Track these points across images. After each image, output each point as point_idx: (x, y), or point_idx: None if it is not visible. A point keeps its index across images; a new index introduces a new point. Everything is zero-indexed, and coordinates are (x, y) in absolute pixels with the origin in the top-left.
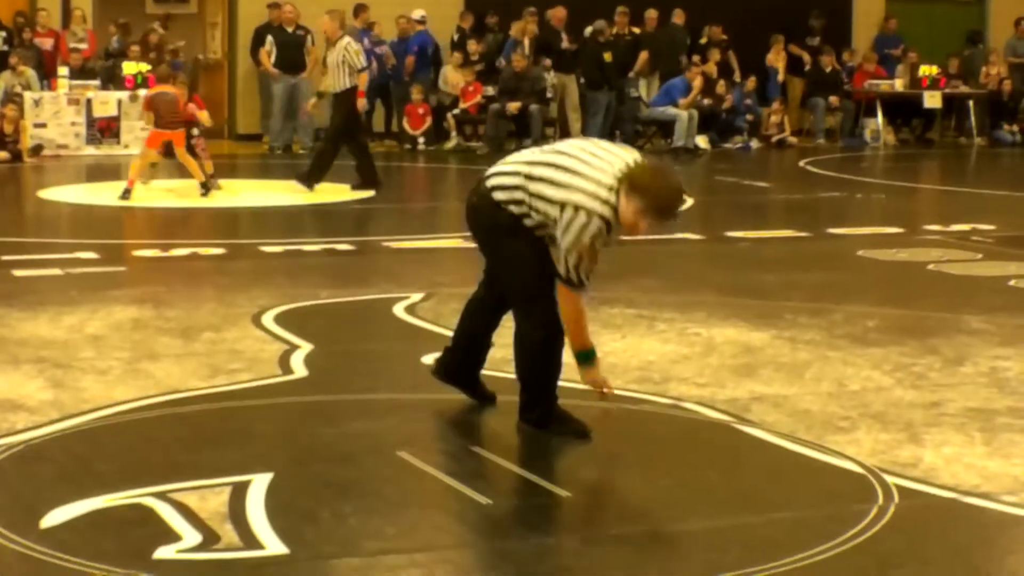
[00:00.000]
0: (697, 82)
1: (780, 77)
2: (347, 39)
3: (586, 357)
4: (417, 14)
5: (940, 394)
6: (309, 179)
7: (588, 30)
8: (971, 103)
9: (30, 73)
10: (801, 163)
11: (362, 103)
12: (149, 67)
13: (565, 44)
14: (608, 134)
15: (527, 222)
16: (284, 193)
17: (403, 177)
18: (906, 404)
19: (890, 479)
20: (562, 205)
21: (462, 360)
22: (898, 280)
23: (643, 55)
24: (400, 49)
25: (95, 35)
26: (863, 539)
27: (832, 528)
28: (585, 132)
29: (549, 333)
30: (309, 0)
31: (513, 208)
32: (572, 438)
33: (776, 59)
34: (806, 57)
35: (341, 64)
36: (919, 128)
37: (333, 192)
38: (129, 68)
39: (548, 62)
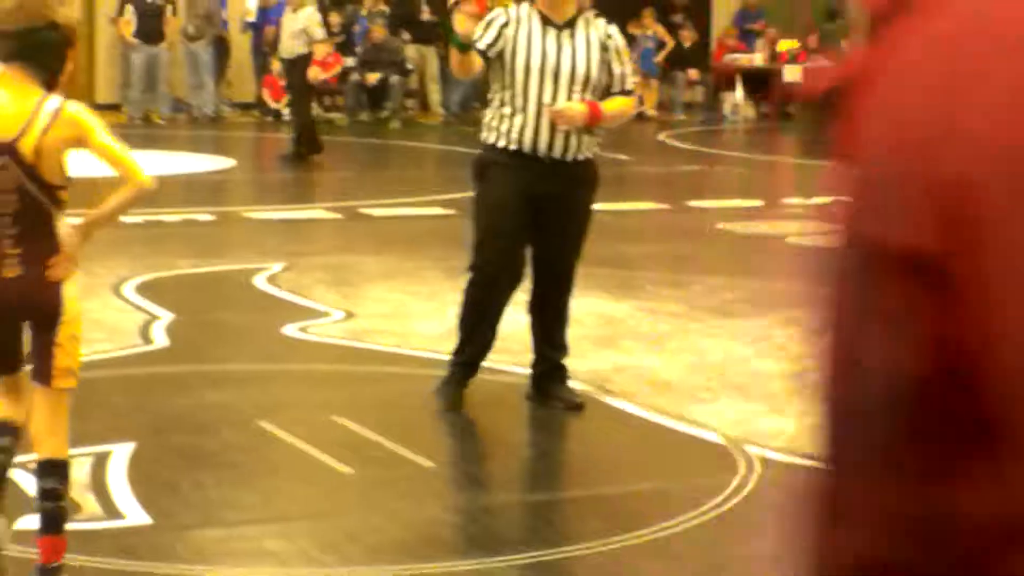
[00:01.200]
0: None
1: (663, 53)
2: (310, 8)
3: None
4: None
5: (802, 364)
6: (303, 149)
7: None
8: None
9: None
10: (661, 136)
11: (315, 71)
12: None
13: (426, 16)
14: (468, 107)
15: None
16: (143, 162)
17: (264, 147)
18: (767, 375)
19: (752, 449)
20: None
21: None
22: (757, 253)
23: None
24: (262, 19)
25: None
26: (725, 509)
27: (694, 498)
28: (446, 104)
29: None
30: None
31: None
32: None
33: (643, 30)
34: (667, 38)
35: (300, 32)
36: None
37: (192, 162)
38: None
39: (407, 35)
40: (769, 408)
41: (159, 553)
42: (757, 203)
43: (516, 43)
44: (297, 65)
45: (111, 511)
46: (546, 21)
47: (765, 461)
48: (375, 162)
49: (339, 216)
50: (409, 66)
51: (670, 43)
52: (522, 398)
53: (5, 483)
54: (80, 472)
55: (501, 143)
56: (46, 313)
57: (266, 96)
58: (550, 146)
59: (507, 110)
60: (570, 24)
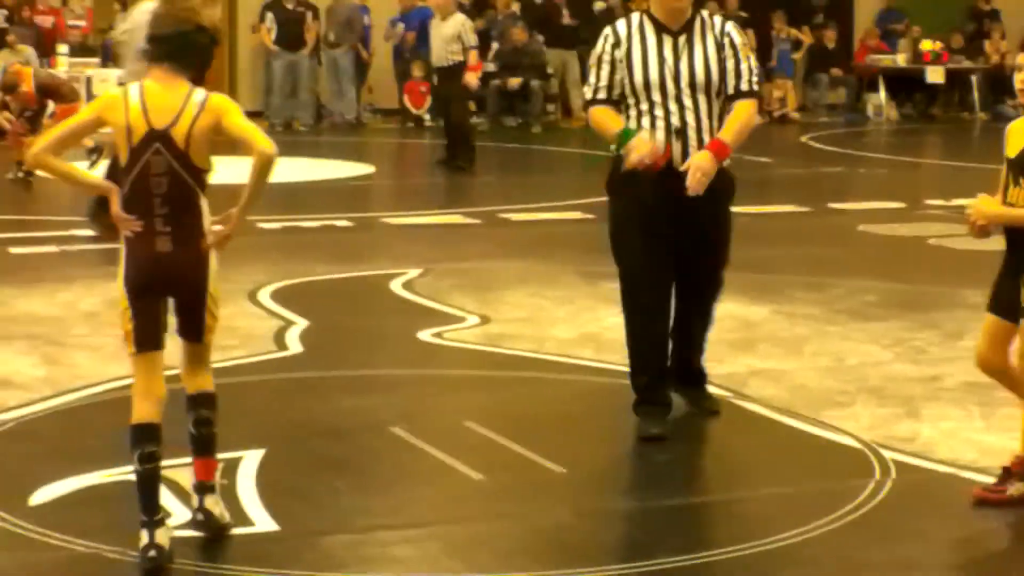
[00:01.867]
0: None
1: (799, 52)
2: (460, 15)
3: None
4: None
5: (939, 368)
6: (462, 161)
7: (599, 5)
8: (974, 78)
9: (28, 51)
10: (803, 138)
11: (472, 76)
12: None
13: (566, 20)
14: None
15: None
16: (283, 169)
17: (405, 153)
18: (904, 379)
19: (887, 454)
20: None
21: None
22: (898, 255)
23: None
24: (399, 25)
25: (93, 12)
26: (859, 514)
27: (829, 503)
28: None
29: None
30: None
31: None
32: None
33: (776, 32)
34: (804, 37)
35: (453, 38)
36: (922, 103)
37: (332, 168)
38: None
39: (541, 38)
40: (906, 412)
41: (286, 560)
42: (899, 205)
43: (631, 60)
44: (453, 73)
45: (239, 518)
46: (660, 28)
47: (900, 465)
48: (516, 167)
49: (478, 222)
50: (549, 70)
51: (807, 40)
52: None
53: (157, 489)
54: None
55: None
56: (193, 286)
57: (407, 102)
58: (683, 158)
59: (635, 124)
60: (687, 28)
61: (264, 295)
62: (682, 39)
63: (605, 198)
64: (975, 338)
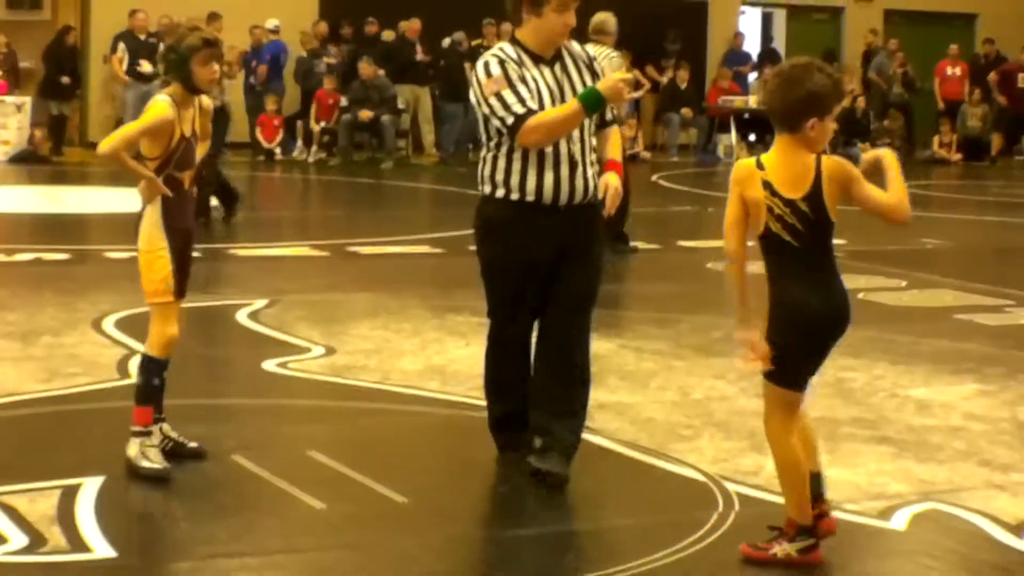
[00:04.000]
0: None
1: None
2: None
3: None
4: (271, 23)
5: None
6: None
7: (447, 41)
8: None
9: None
10: (654, 177)
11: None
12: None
13: (420, 56)
14: (463, 148)
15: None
16: (127, 199)
17: (254, 187)
18: (749, 412)
19: (731, 487)
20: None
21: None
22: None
23: None
24: (251, 59)
25: None
26: (702, 546)
27: (672, 535)
28: (439, 144)
29: None
30: (170, 4)
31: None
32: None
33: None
34: (659, 77)
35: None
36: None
37: None
38: None
39: (381, 72)
40: (750, 446)
41: None
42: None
43: (527, 87)
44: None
45: (77, 544)
46: (535, 58)
47: (744, 498)
48: (366, 202)
49: (326, 254)
50: (401, 105)
51: (661, 80)
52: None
53: None
54: (47, 504)
55: (515, 196)
56: None
57: (259, 136)
58: (571, 193)
59: (519, 161)
60: (557, 56)
61: (109, 323)
62: (557, 67)
63: (455, 232)
64: (821, 374)
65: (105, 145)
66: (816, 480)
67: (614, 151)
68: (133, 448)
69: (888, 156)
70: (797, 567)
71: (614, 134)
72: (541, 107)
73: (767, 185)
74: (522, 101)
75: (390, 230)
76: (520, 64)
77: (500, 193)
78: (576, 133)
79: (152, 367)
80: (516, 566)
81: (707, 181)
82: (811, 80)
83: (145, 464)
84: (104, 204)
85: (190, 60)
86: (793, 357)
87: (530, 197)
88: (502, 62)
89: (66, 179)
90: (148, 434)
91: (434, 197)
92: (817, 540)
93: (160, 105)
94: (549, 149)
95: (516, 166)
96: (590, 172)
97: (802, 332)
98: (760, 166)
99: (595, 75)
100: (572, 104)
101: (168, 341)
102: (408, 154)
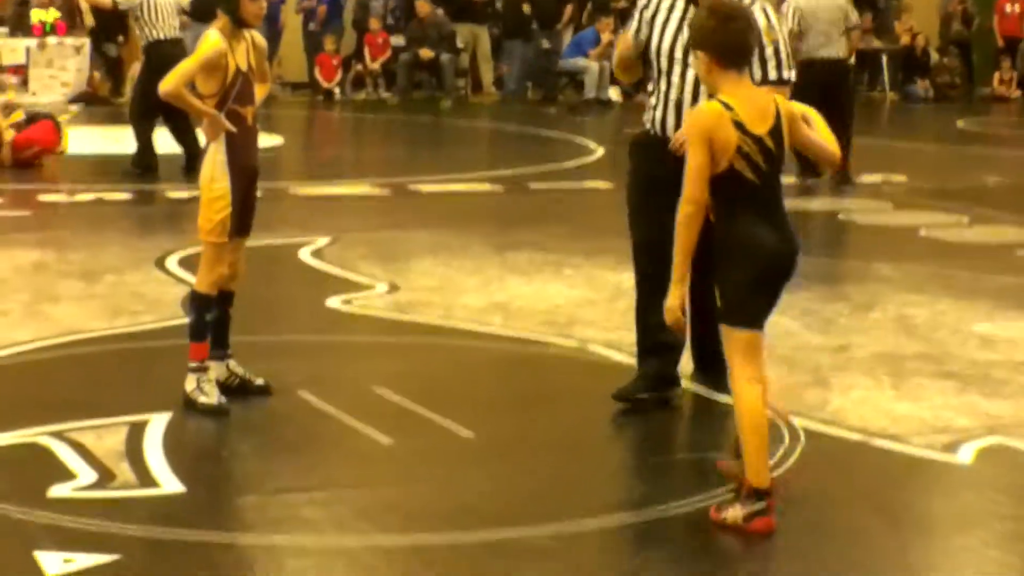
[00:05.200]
0: (606, 35)
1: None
2: None
3: None
4: None
5: (848, 338)
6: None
7: None
8: (884, 58)
9: None
10: None
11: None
12: (59, 14)
13: None
14: (521, 87)
15: None
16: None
17: (313, 126)
18: (814, 348)
19: (797, 421)
20: None
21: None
22: (809, 229)
23: (568, 7)
24: None
25: None
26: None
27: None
28: (499, 83)
29: None
30: None
31: None
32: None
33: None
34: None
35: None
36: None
37: None
38: (37, 15)
39: (439, 11)
40: (815, 380)
41: (193, 521)
42: (809, 180)
43: (653, 24)
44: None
45: (145, 479)
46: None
47: (810, 433)
48: (425, 140)
49: (387, 192)
50: (459, 44)
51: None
52: (565, 369)
53: None
54: (115, 440)
55: (647, 127)
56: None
57: (318, 75)
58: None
59: (651, 95)
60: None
61: (172, 262)
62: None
63: (514, 170)
64: (884, 310)
65: (166, 84)
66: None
67: None
68: (190, 383)
69: (812, 111)
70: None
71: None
72: (648, 48)
73: (738, 125)
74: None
75: (450, 168)
76: (667, 2)
77: None
78: (687, 79)
79: (202, 303)
80: (583, 499)
81: None
82: (746, 16)
83: (202, 399)
84: (165, 144)
85: None
86: (749, 294)
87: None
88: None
89: (125, 120)
90: (204, 369)
91: (493, 135)
92: (769, 506)
93: (212, 38)
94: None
95: None
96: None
97: (759, 267)
98: (727, 107)
99: None
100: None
101: (217, 279)
102: (467, 93)
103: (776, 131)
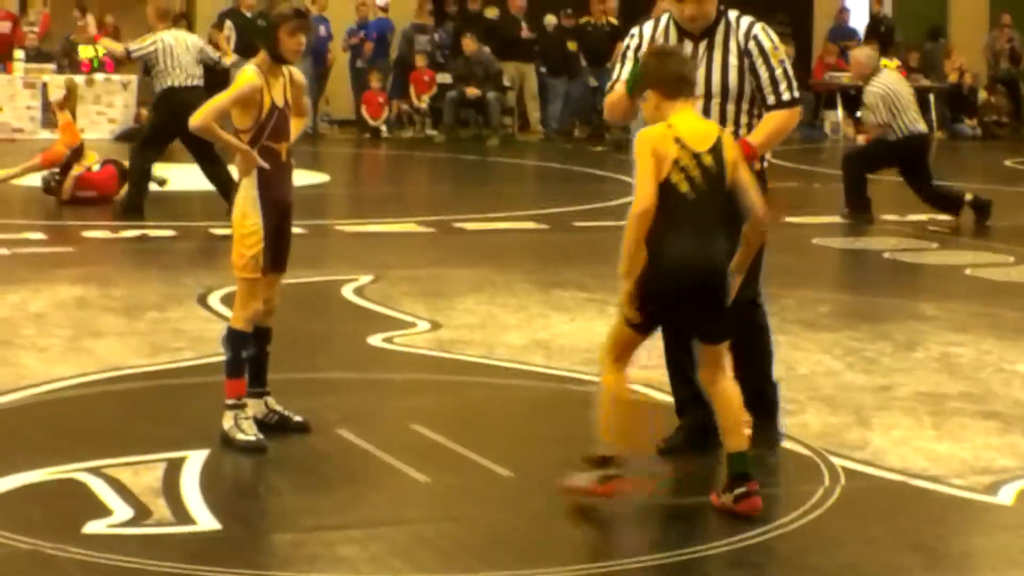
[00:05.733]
0: None
1: None
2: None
3: None
4: (381, 1)
5: (891, 378)
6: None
7: (551, 18)
8: (931, 97)
9: None
10: None
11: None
12: (105, 50)
13: (524, 33)
14: (567, 123)
15: None
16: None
17: (359, 164)
18: (856, 388)
19: (837, 461)
20: None
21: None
22: (853, 267)
23: (619, 45)
24: (354, 35)
25: (50, 17)
26: (809, 519)
27: (778, 508)
28: (544, 121)
29: None
30: None
31: None
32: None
33: None
34: None
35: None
36: None
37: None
38: (85, 52)
39: (487, 49)
40: (856, 420)
41: (230, 559)
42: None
43: None
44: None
45: (181, 516)
46: (682, 32)
47: (850, 472)
48: (471, 178)
49: (432, 230)
50: (506, 82)
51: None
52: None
53: None
54: (152, 477)
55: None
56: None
57: (364, 113)
58: None
59: None
60: (709, 32)
61: (214, 299)
62: (703, 44)
63: (560, 208)
64: (927, 349)
65: (197, 118)
66: (740, 459)
67: (755, 132)
68: (227, 420)
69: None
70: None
71: (770, 116)
72: None
73: (678, 140)
74: (613, 81)
75: (495, 206)
76: (661, 40)
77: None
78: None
79: (237, 340)
80: (623, 539)
81: (813, 157)
82: (680, 52)
83: (240, 436)
84: (206, 182)
85: (278, 28)
86: (649, 299)
87: None
88: (632, 37)
89: (170, 156)
90: (242, 406)
91: (539, 173)
92: (617, 473)
93: (247, 73)
94: None
95: None
96: None
97: (662, 279)
98: (670, 126)
99: (746, 56)
100: (620, 90)
101: (252, 315)
102: (514, 131)
103: (716, 153)
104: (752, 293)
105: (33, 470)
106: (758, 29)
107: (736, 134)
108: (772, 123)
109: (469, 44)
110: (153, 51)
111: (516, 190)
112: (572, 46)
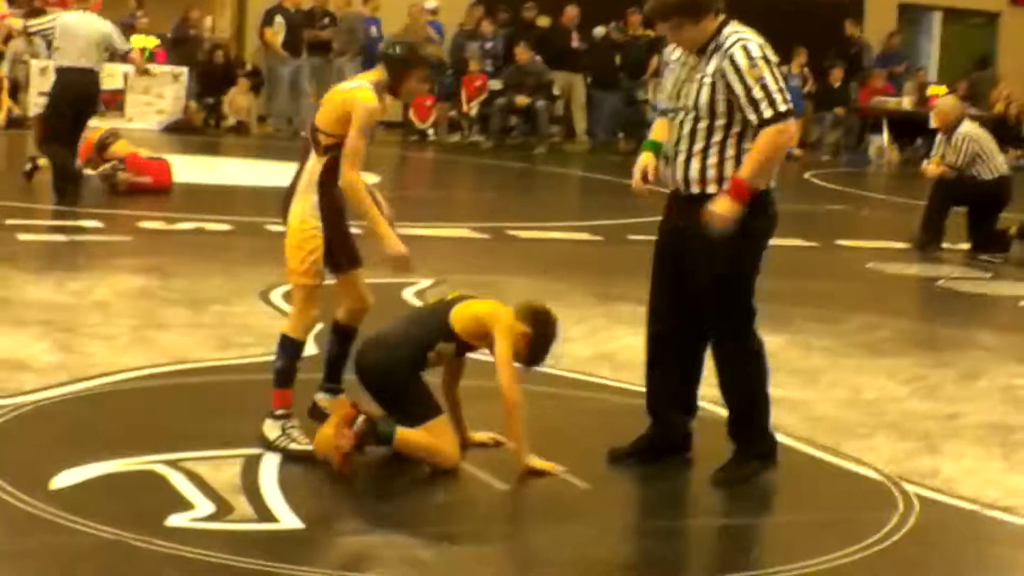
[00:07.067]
0: None
1: (806, 87)
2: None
3: None
4: (430, 4)
5: (956, 407)
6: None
7: (600, 30)
8: None
9: (39, 41)
10: (807, 175)
11: None
12: (158, 42)
13: (575, 43)
14: (613, 135)
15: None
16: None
17: (407, 166)
18: (922, 415)
19: (909, 488)
20: None
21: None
22: (908, 294)
23: (656, 57)
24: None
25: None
26: (885, 545)
27: (854, 533)
28: (591, 131)
29: None
30: None
31: None
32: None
33: (796, 69)
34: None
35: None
36: (924, 148)
37: None
38: (136, 42)
39: (539, 58)
40: (926, 447)
41: (312, 558)
42: (906, 246)
43: (668, 74)
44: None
45: (263, 514)
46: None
47: (924, 500)
48: (519, 186)
49: (486, 236)
50: (555, 91)
51: (809, 84)
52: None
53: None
54: (231, 473)
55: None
56: None
57: (412, 116)
58: (673, 182)
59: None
60: (703, 51)
61: (276, 295)
62: (701, 62)
63: (609, 221)
64: (990, 379)
65: (347, 175)
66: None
67: (744, 165)
68: (274, 430)
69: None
70: None
71: (758, 139)
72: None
73: None
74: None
75: (547, 215)
76: (679, 51)
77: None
78: (683, 131)
79: (292, 348)
80: (697, 557)
81: (857, 181)
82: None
83: (293, 446)
84: (258, 177)
85: (413, 71)
86: None
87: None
88: (665, 49)
89: (217, 150)
90: (289, 416)
91: (587, 184)
92: None
93: (369, 98)
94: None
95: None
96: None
97: None
98: None
99: (722, 75)
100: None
101: (310, 322)
102: (561, 140)
103: None
104: (721, 270)
105: (110, 460)
106: (736, 47)
107: (705, 153)
108: (757, 147)
109: (522, 53)
110: (51, 28)
111: (566, 200)
112: (618, 59)
